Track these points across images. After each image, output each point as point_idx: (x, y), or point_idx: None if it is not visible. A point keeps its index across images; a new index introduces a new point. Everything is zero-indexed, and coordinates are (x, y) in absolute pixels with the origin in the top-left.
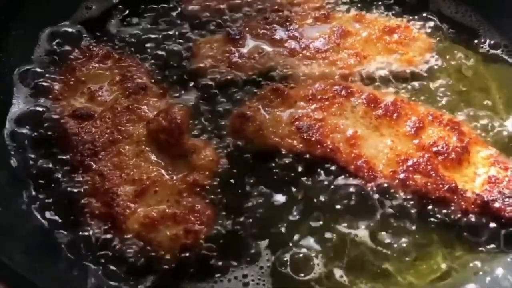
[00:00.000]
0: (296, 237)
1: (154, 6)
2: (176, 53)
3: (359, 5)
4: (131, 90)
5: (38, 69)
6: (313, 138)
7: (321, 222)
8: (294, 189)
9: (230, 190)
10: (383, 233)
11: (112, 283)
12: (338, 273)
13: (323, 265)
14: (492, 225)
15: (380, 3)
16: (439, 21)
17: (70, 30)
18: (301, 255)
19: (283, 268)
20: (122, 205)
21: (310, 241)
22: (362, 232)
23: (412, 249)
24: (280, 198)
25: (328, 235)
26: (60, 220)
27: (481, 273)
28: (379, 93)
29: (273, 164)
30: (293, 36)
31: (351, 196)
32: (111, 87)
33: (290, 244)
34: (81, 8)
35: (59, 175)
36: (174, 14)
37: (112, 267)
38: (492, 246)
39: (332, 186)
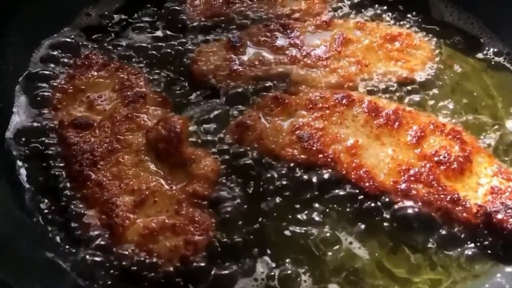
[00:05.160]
0: (295, 248)
1: (154, 13)
2: (176, 60)
3: (360, 13)
4: (130, 99)
5: (38, 77)
6: (314, 148)
7: (322, 233)
8: (292, 199)
9: (228, 200)
10: (384, 245)
11: None
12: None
13: (320, 279)
14: (491, 234)
15: (381, 10)
16: (441, 29)
17: (69, 37)
18: (293, 270)
19: (273, 282)
20: (121, 216)
21: (309, 251)
22: (361, 244)
23: (413, 260)
24: (278, 208)
25: (327, 247)
26: (58, 230)
27: (479, 282)
28: (380, 101)
29: (273, 173)
30: (294, 44)
31: (351, 206)
32: (110, 95)
33: (288, 258)
34: (81, 15)
35: (58, 185)
36: (174, 21)
37: (110, 278)
38: (491, 255)
39: (331, 196)
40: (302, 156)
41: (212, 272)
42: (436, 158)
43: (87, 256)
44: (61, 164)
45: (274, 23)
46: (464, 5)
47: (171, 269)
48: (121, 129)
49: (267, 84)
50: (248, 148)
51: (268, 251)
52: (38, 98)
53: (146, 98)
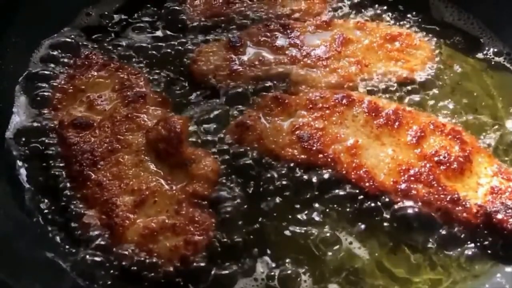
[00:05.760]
0: (295, 248)
1: (154, 13)
2: (176, 60)
3: (360, 13)
4: (130, 99)
5: (38, 77)
6: (314, 148)
7: (322, 233)
8: (292, 199)
9: (228, 200)
10: (384, 245)
11: None
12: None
13: (320, 279)
14: (491, 234)
15: (381, 10)
16: (442, 29)
17: (69, 37)
18: (293, 270)
19: (273, 282)
20: (121, 216)
21: (309, 251)
22: (361, 244)
23: (413, 260)
24: (278, 208)
25: (327, 247)
26: (58, 230)
27: (479, 282)
28: (380, 101)
29: (273, 173)
30: (294, 44)
31: (351, 206)
32: (110, 95)
33: (288, 258)
34: (81, 15)
35: (58, 185)
36: (174, 21)
37: (110, 278)
38: (491, 255)
39: (331, 196)
40: (302, 156)
41: (212, 272)
42: (436, 158)
43: (87, 256)
44: (61, 164)
45: (274, 23)
46: (464, 5)
47: (171, 269)
48: (121, 129)
49: (267, 84)
50: (248, 148)
51: (268, 251)
52: (38, 98)
53: (146, 98)
